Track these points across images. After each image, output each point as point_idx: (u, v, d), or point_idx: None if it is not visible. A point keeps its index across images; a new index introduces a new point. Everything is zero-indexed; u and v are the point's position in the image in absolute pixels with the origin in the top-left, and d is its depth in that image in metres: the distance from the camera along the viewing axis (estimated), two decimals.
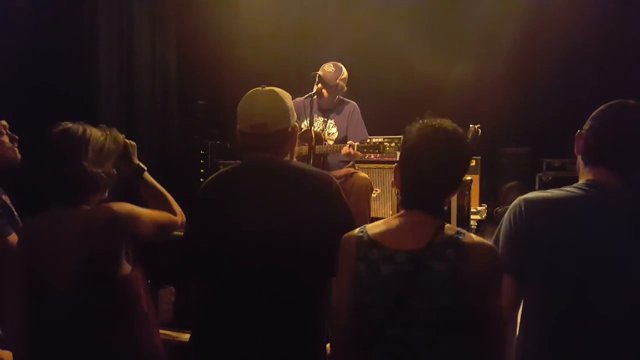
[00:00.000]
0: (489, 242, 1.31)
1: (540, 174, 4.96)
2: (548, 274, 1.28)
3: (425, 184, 1.28)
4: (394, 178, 1.37)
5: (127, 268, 1.48)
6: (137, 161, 1.70)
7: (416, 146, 1.29)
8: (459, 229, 1.29)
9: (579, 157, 1.40)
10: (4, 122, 1.91)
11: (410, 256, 1.23)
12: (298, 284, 1.48)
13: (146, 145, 5.51)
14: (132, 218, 1.49)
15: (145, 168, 1.70)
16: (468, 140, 1.33)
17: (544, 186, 4.60)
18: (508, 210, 1.37)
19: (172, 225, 1.64)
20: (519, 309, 1.35)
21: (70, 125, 1.53)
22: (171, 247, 1.70)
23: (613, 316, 1.22)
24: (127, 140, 1.68)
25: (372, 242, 1.27)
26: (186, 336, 1.74)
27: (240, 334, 1.49)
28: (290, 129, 1.60)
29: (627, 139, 1.32)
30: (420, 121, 1.32)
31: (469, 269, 1.21)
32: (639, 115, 1.34)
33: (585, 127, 1.39)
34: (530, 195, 1.35)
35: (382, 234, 1.29)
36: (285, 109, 1.59)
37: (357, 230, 1.34)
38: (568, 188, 1.33)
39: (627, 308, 1.22)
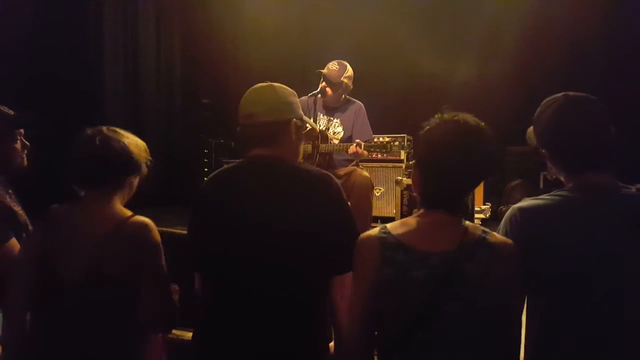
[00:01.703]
0: (510, 240, 1.27)
1: (545, 173, 4.93)
2: (547, 280, 1.28)
3: (449, 182, 1.22)
4: (412, 177, 1.30)
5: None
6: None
7: (438, 143, 1.21)
8: (483, 227, 1.25)
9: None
10: (21, 130, 1.92)
11: (443, 258, 1.17)
12: (299, 283, 1.48)
13: (151, 144, 5.53)
14: (157, 244, 1.55)
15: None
16: (492, 135, 1.27)
17: (548, 185, 4.57)
18: (503, 220, 1.36)
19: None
20: (522, 315, 1.35)
21: None
22: (174, 245, 1.70)
23: (615, 316, 1.22)
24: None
25: (398, 244, 1.21)
26: (190, 334, 1.75)
27: (242, 332, 1.49)
28: (285, 123, 1.58)
29: (591, 135, 1.31)
30: (440, 116, 1.25)
31: (499, 270, 1.18)
32: (591, 108, 1.33)
33: (545, 144, 1.37)
34: (524, 204, 1.33)
35: (407, 235, 1.22)
36: (277, 102, 1.58)
37: (376, 230, 1.26)
38: (559, 193, 1.32)
39: (630, 309, 1.22)
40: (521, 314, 1.26)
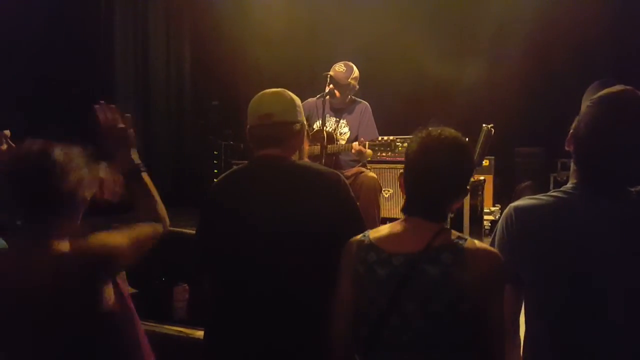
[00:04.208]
0: (492, 248, 1.30)
1: (555, 174, 4.91)
2: (544, 280, 1.28)
3: (425, 192, 1.29)
4: (399, 183, 1.38)
5: (109, 300, 1.32)
6: (136, 158, 1.50)
7: (417, 155, 1.30)
8: (461, 234, 1.29)
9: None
10: (6, 132, 1.94)
11: (406, 259, 1.23)
12: (308, 281, 1.49)
13: (161, 146, 5.60)
14: (110, 257, 1.31)
15: (144, 168, 1.51)
16: (471, 149, 1.33)
17: (558, 186, 4.55)
18: (500, 219, 1.37)
19: (154, 237, 1.45)
20: (519, 314, 1.35)
21: (42, 145, 1.33)
22: (184, 245, 1.72)
23: (610, 317, 1.22)
24: (129, 128, 1.49)
25: (371, 246, 1.29)
26: (200, 333, 1.77)
27: (252, 331, 1.51)
28: (298, 125, 1.64)
29: (619, 143, 1.25)
30: (424, 129, 1.32)
31: (466, 275, 1.20)
32: (634, 113, 1.25)
33: (579, 126, 1.30)
34: (521, 202, 1.34)
35: (382, 238, 1.30)
36: (292, 104, 1.64)
37: (360, 234, 1.35)
38: (556, 193, 1.31)
39: (624, 308, 1.21)
40: (500, 321, 1.24)
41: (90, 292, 1.29)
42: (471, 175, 1.36)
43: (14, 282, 1.27)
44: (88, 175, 1.36)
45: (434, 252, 1.23)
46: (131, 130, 1.50)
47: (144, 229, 1.44)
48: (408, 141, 1.36)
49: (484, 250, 1.25)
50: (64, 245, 1.30)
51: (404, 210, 1.33)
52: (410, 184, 1.32)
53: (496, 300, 1.24)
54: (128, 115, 1.50)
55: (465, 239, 1.26)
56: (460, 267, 1.21)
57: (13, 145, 1.93)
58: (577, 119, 1.33)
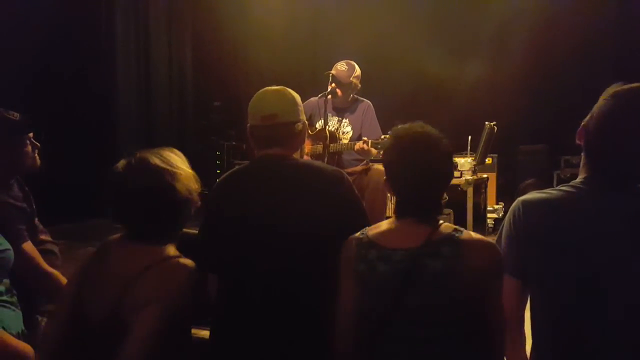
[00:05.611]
0: (488, 239, 1.31)
1: (559, 172, 4.90)
2: (549, 275, 1.27)
3: (411, 194, 1.30)
4: (385, 187, 1.39)
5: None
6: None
7: (392, 158, 1.31)
8: (456, 227, 1.29)
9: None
10: (29, 134, 1.95)
11: (407, 254, 1.23)
12: (312, 281, 1.49)
13: (163, 146, 5.61)
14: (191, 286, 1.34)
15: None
16: (442, 137, 1.31)
17: (562, 184, 4.53)
18: (508, 213, 1.36)
19: None
20: (524, 309, 1.35)
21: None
22: (186, 245, 1.72)
23: (615, 314, 1.21)
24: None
25: (370, 243, 1.29)
26: (204, 332, 1.77)
27: (257, 332, 1.50)
28: (300, 124, 1.63)
29: (631, 138, 1.24)
30: (393, 133, 1.33)
31: (465, 266, 1.21)
32: None
33: (591, 119, 1.29)
34: (529, 196, 1.33)
35: (380, 235, 1.31)
36: (294, 103, 1.64)
37: (359, 232, 1.35)
38: (565, 187, 1.30)
39: (629, 306, 1.21)
40: (500, 310, 1.26)
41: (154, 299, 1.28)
42: (452, 160, 1.35)
43: (119, 258, 1.32)
44: (189, 174, 1.40)
45: (434, 245, 1.23)
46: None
47: None
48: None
49: (481, 242, 1.26)
50: (170, 250, 1.34)
51: (394, 210, 1.34)
52: (394, 188, 1.33)
53: (495, 291, 1.25)
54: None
55: (462, 231, 1.26)
56: (460, 259, 1.21)
57: (37, 144, 1.94)
58: (590, 113, 1.33)
